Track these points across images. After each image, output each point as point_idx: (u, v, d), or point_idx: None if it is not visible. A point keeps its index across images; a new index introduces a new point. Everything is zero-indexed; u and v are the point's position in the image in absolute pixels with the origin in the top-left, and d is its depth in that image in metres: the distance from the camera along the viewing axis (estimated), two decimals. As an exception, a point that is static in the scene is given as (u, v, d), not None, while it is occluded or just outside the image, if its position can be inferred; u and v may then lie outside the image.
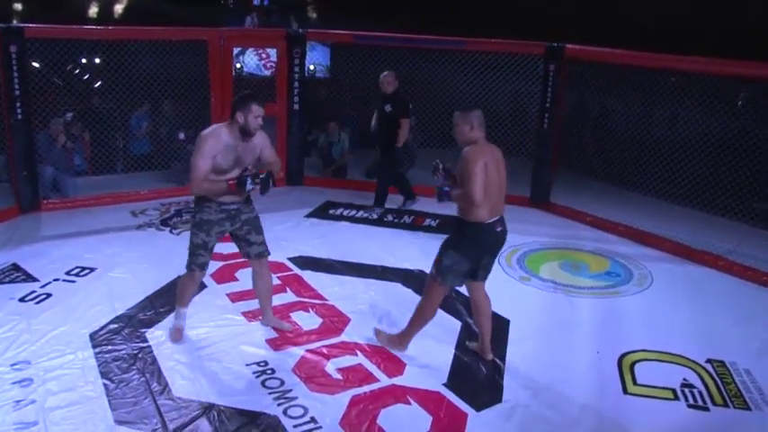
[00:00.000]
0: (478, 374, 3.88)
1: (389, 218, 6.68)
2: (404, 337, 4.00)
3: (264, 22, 9.70)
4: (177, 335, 4.11)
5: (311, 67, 10.15)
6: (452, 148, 7.53)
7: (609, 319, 4.69)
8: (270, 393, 3.58)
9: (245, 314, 4.47)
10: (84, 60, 8.73)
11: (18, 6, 13.24)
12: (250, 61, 9.59)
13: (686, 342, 4.33)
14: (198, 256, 3.94)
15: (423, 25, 8.34)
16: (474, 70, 7.50)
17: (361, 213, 6.76)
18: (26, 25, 6.39)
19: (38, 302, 4.52)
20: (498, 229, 3.75)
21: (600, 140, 8.36)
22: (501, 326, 4.44)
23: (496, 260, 5.53)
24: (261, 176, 3.72)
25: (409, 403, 3.56)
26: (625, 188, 7.74)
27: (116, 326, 4.23)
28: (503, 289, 5.08)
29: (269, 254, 4.15)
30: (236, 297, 4.71)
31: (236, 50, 8.30)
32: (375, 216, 6.65)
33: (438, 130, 7.49)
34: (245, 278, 4.94)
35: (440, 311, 4.57)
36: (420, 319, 3.93)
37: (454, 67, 7.47)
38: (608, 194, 7.53)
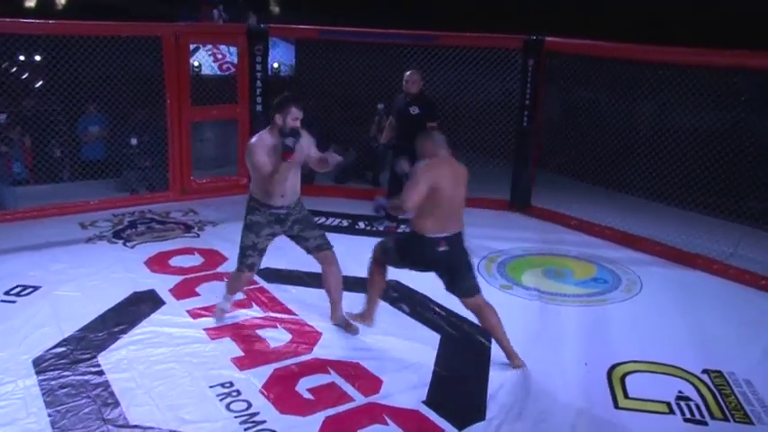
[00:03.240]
0: (460, 391, 3.87)
1: (361, 225, 6.67)
2: (368, 312, 4.46)
3: (234, 16, 9.54)
4: (219, 314, 4.56)
5: (275, 66, 10.09)
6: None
7: (596, 328, 4.73)
8: (236, 417, 3.52)
9: (207, 331, 4.40)
10: (21, 57, 8.55)
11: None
12: (204, 61, 9.47)
13: (680, 352, 4.36)
14: (247, 256, 4.30)
15: (395, 20, 8.39)
16: (449, 66, 7.54)
17: (337, 222, 6.74)
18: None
19: (-27, 326, 4.38)
20: (440, 249, 3.93)
21: (583, 138, 8.45)
22: (482, 338, 4.44)
23: (475, 268, 5.63)
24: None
25: (387, 423, 3.53)
26: (611, 188, 7.82)
27: (63, 349, 4.12)
28: (484, 298, 5.13)
29: (331, 246, 4.43)
30: (197, 313, 4.64)
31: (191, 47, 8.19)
32: (381, 228, 6.57)
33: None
34: (206, 293, 4.90)
35: (418, 325, 4.61)
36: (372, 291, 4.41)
37: (428, 63, 7.50)
38: (593, 195, 7.61)
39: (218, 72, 9.45)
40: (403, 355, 4.22)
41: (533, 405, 3.75)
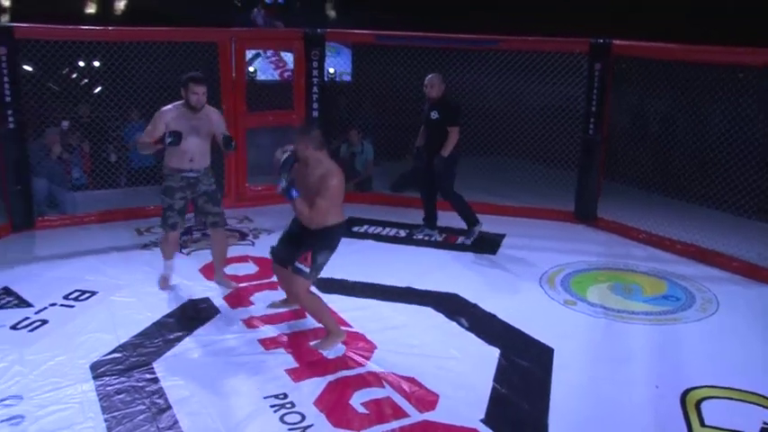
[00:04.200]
0: (520, 410, 3.82)
1: (419, 236, 6.68)
2: (332, 332, 4.46)
3: (277, 18, 9.67)
4: (163, 283, 5.24)
5: (331, 71, 10.21)
6: (486, 155, 7.47)
7: (668, 349, 4.61)
8: (290, 429, 3.56)
9: (262, 342, 4.47)
10: (81, 63, 8.88)
11: (6, 2, 13.46)
12: (265, 68, 9.63)
13: (762, 378, 4.19)
14: (167, 217, 5.05)
15: (453, 23, 8.38)
16: (512, 71, 7.50)
17: (394, 232, 6.84)
18: (16, 24, 6.49)
19: (32, 330, 4.56)
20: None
21: (655, 146, 8.27)
22: (543, 355, 4.39)
23: (538, 282, 5.58)
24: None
25: (444, 442, 3.53)
26: (684, 200, 7.62)
27: (119, 355, 4.25)
28: (545, 313, 5.07)
29: (225, 224, 5.28)
30: (251, 323, 4.73)
31: (248, 54, 8.35)
32: (422, 237, 6.70)
33: (472, 138, 7.48)
34: (261, 302, 4.99)
35: (477, 339, 4.58)
36: (321, 313, 4.46)
37: (489, 68, 7.49)
38: (664, 207, 7.41)
39: (279, 79, 9.59)
40: (460, 370, 4.20)
41: (598, 429, 3.68)
